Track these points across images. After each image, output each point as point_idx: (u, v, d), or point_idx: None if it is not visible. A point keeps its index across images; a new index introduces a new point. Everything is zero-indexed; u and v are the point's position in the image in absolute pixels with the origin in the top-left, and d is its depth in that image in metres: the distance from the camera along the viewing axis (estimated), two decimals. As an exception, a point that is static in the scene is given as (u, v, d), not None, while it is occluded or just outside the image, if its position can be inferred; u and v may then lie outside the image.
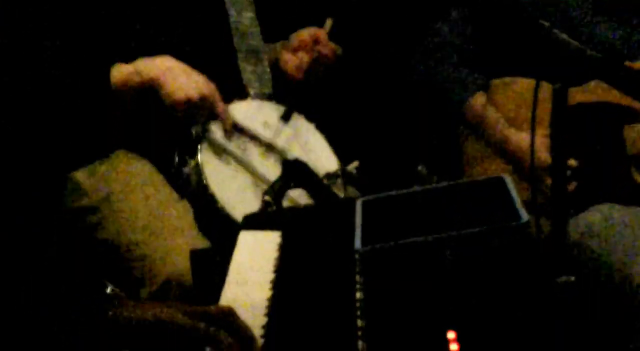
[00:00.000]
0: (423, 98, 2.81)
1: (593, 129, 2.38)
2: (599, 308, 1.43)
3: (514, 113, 2.54)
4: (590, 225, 1.84)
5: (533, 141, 1.62)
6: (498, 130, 2.56)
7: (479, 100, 2.61)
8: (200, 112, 2.19)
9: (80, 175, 2.22)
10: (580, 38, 1.55)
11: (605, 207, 1.97)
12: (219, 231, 2.18)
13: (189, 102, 2.12)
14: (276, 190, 1.95)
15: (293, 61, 2.58)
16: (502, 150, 2.54)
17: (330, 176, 2.31)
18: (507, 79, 2.59)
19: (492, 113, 2.57)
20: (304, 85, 2.56)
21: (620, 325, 1.37)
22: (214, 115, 2.23)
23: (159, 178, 2.29)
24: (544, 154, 2.27)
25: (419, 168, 2.58)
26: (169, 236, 2.16)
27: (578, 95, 2.36)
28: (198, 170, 2.23)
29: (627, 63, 2.28)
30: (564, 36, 1.53)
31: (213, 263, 1.81)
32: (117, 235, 2.18)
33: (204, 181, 2.22)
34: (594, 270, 1.67)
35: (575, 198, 2.20)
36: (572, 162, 2.36)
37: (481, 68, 2.64)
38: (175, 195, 2.26)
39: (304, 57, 2.56)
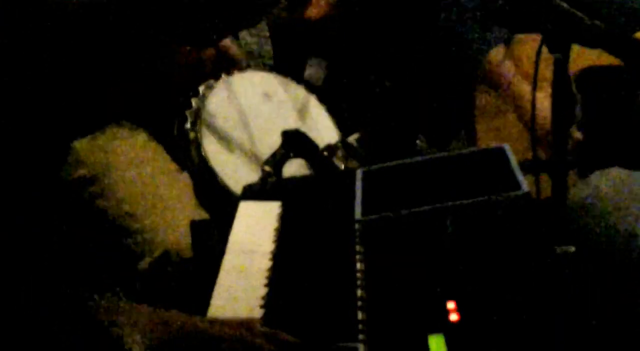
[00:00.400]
0: (427, 64, 2.77)
1: (604, 93, 2.36)
2: (603, 274, 1.42)
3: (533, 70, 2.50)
4: (597, 188, 1.83)
5: (534, 100, 1.61)
6: (513, 85, 2.53)
7: (498, 53, 2.58)
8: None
9: (79, 145, 2.21)
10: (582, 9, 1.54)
11: (613, 171, 1.96)
12: (219, 203, 2.17)
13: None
14: (276, 161, 1.95)
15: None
16: (516, 106, 2.52)
17: (330, 148, 2.30)
18: (533, 35, 2.55)
19: (509, 68, 2.55)
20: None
21: (625, 289, 1.36)
22: (224, 63, 2.18)
23: (158, 150, 2.28)
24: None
25: (419, 140, 2.57)
26: (168, 208, 2.15)
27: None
28: (197, 142, 2.22)
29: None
30: (566, 5, 1.52)
31: (213, 233, 1.81)
32: (116, 206, 2.17)
33: (203, 153, 2.21)
34: (599, 234, 1.66)
35: (583, 162, 2.20)
36: (577, 135, 2.35)
37: (506, 22, 2.60)
38: (174, 167, 2.25)
39: None
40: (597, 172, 1.92)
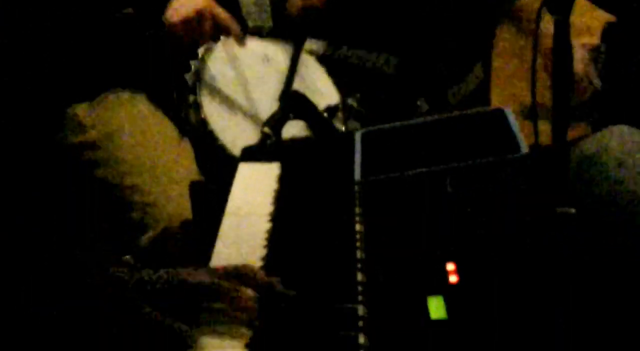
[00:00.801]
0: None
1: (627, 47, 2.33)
2: (605, 232, 1.42)
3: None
4: (605, 144, 1.81)
5: (535, 55, 1.60)
6: (538, 23, 2.49)
7: None
8: (203, 30, 2.13)
9: (80, 110, 2.20)
10: None
11: (623, 128, 1.94)
12: (219, 166, 2.17)
13: (186, 22, 2.09)
14: (275, 122, 1.94)
15: None
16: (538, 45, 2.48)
17: (330, 109, 2.29)
18: None
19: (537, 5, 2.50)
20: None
21: (631, 246, 1.36)
22: (220, 30, 2.19)
23: (159, 115, 2.27)
24: (578, 65, 2.25)
25: (419, 102, 2.56)
26: (169, 180, 2.14)
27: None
28: (197, 106, 2.22)
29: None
30: None
31: (212, 195, 1.80)
32: (117, 176, 2.16)
33: (203, 116, 2.20)
34: (603, 188, 1.65)
35: (597, 114, 2.19)
36: (596, 82, 2.33)
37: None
38: (175, 132, 2.25)
39: None
40: (607, 128, 1.91)
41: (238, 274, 1.23)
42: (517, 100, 2.14)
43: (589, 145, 1.77)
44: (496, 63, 2.60)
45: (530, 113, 1.55)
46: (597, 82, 2.36)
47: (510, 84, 2.50)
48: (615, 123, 1.87)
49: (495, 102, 2.56)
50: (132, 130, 2.19)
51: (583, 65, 2.28)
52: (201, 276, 1.21)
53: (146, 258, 2.05)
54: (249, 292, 1.21)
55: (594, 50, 2.37)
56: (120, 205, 2.15)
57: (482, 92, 2.60)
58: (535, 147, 1.60)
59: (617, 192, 1.66)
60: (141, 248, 2.08)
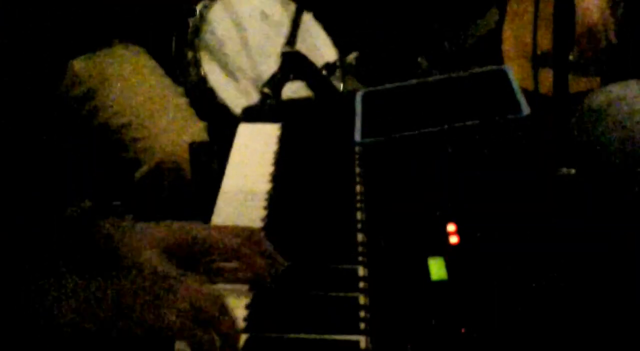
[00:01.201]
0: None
1: None
2: (611, 185, 1.42)
3: None
4: (616, 96, 1.81)
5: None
6: None
7: None
8: None
9: (77, 64, 2.19)
10: None
11: (633, 83, 1.93)
12: (218, 123, 2.16)
13: None
14: (275, 82, 1.93)
15: None
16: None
17: (329, 67, 2.28)
18: None
19: None
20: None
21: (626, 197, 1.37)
22: None
23: (157, 70, 2.26)
24: (594, 15, 2.23)
25: (419, 59, 2.55)
26: (163, 115, 2.13)
27: None
28: (196, 63, 2.20)
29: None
30: None
31: (212, 155, 1.80)
32: (112, 118, 2.15)
33: (202, 73, 2.19)
34: (611, 139, 1.65)
35: (610, 67, 2.18)
36: (612, 36, 2.30)
37: None
38: (174, 88, 2.24)
39: None
40: (619, 82, 1.90)
41: (254, 241, 1.22)
42: (529, 47, 2.10)
43: (599, 98, 1.77)
44: (511, 7, 2.57)
45: (537, 62, 1.54)
46: (612, 34, 2.33)
47: (523, 30, 2.46)
48: (628, 77, 1.87)
49: (507, 47, 2.53)
50: (128, 78, 2.18)
51: (600, 14, 2.25)
52: (216, 235, 1.21)
53: (140, 194, 2.05)
54: (263, 262, 1.21)
55: (613, 1, 2.34)
56: (116, 146, 2.14)
57: (495, 37, 2.56)
58: (534, 94, 1.59)
59: (626, 143, 1.66)
60: (135, 183, 2.07)
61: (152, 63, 2.27)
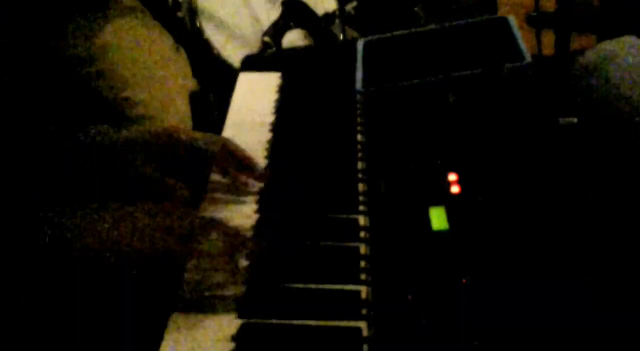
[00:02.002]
0: None
1: None
2: (606, 139, 1.41)
3: None
4: (611, 53, 1.80)
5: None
6: None
7: None
8: None
9: (73, 25, 2.16)
10: None
11: (627, 38, 1.93)
12: (216, 77, 2.15)
13: None
14: (276, 31, 1.92)
15: None
16: None
17: (328, 17, 2.26)
18: None
19: None
20: None
21: (631, 152, 1.36)
22: None
23: (156, 27, 2.24)
24: None
25: (416, 9, 2.52)
26: (167, 92, 2.12)
27: None
28: (192, 13, 2.18)
29: None
30: None
31: (212, 106, 1.79)
32: (114, 89, 2.14)
33: (198, 25, 2.17)
34: (605, 96, 1.65)
35: (604, 25, 2.16)
36: None
37: None
38: (171, 42, 2.22)
39: None
40: (614, 39, 1.89)
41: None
42: (525, 6, 2.09)
43: (594, 54, 1.76)
44: None
45: (535, 22, 1.53)
46: None
47: None
48: (623, 34, 1.85)
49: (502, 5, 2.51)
50: (126, 43, 2.16)
51: None
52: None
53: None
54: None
55: None
56: (117, 117, 2.13)
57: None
58: (538, 56, 1.58)
59: (619, 99, 1.65)
60: None
61: (151, 21, 2.24)
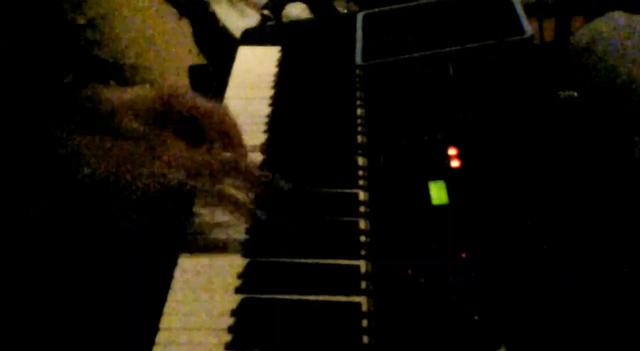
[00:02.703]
0: None
1: None
2: (601, 115, 1.41)
3: None
4: (599, 32, 1.81)
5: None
6: None
7: None
8: None
9: None
10: None
11: (615, 15, 1.93)
12: (219, 49, 2.14)
13: None
14: (275, 4, 1.91)
15: None
16: None
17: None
18: None
19: None
20: None
21: (622, 129, 1.36)
22: None
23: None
24: None
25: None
26: (169, 59, 2.11)
27: None
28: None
29: None
30: None
31: (212, 79, 1.79)
32: (116, 55, 2.13)
33: (209, 9, 2.16)
34: (600, 76, 1.65)
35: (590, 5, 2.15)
36: None
37: None
38: (173, 11, 2.21)
39: None
40: (601, 17, 1.90)
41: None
42: None
43: (584, 35, 1.76)
44: None
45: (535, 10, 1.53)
46: None
47: None
48: (612, 9, 1.85)
49: None
50: (127, 11, 2.15)
51: None
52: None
53: None
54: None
55: None
56: (121, 83, 2.12)
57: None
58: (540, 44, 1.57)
59: (614, 77, 1.66)
60: None
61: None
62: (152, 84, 2.04)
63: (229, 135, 1.25)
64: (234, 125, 1.25)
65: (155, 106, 1.22)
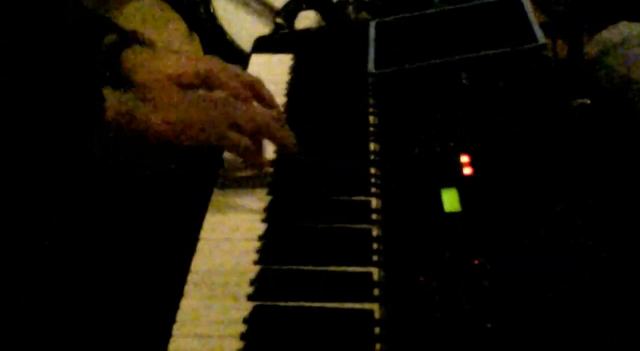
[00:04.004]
0: None
1: None
2: (613, 125, 1.41)
3: None
4: (607, 42, 1.81)
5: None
6: None
7: None
8: None
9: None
10: None
11: (621, 25, 1.93)
12: (228, 62, 2.14)
13: None
14: (288, 12, 1.91)
15: None
16: None
17: (342, 3, 2.25)
18: None
19: None
20: None
21: (633, 137, 1.36)
22: None
23: (169, 11, 2.23)
24: None
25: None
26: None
27: None
28: (209, 12, 2.18)
29: None
30: None
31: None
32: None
33: (212, 10, 2.17)
34: (611, 86, 1.65)
35: (594, 19, 2.15)
36: None
37: None
38: (184, 27, 2.22)
39: None
40: (609, 27, 1.90)
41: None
42: None
43: (593, 47, 1.76)
44: None
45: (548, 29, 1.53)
46: None
47: None
48: (614, 21, 1.86)
49: None
50: (139, 23, 2.16)
51: None
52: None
53: None
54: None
55: None
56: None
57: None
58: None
59: (625, 87, 1.66)
60: None
61: (165, 6, 2.24)
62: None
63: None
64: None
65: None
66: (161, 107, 1.22)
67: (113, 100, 1.19)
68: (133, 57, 1.33)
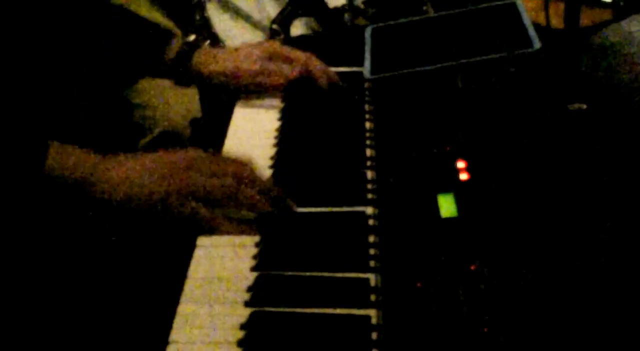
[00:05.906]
0: None
1: None
2: (611, 128, 1.41)
3: None
4: (631, 34, 1.79)
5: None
6: None
7: None
8: None
9: None
10: None
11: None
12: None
13: None
14: (284, 18, 1.91)
15: None
16: None
17: (337, 10, 2.25)
18: None
19: None
20: None
21: (633, 139, 1.35)
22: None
23: (160, 17, 2.23)
24: None
25: (425, 7, 2.51)
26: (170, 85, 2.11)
27: None
28: (201, 5, 2.17)
29: None
30: None
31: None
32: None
33: (207, 16, 2.16)
34: (624, 74, 1.64)
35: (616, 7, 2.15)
36: None
37: None
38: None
39: None
40: (631, 17, 1.89)
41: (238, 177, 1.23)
42: None
43: (613, 33, 1.75)
44: None
45: None
46: None
47: None
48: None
49: None
50: None
51: None
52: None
53: None
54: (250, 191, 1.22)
55: None
56: (120, 107, 2.11)
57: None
58: (546, 29, 1.56)
59: (625, 90, 1.65)
60: (138, 149, 2.05)
61: (156, 11, 2.23)
62: (154, 126, 2.04)
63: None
64: None
65: None
66: None
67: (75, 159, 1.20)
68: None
